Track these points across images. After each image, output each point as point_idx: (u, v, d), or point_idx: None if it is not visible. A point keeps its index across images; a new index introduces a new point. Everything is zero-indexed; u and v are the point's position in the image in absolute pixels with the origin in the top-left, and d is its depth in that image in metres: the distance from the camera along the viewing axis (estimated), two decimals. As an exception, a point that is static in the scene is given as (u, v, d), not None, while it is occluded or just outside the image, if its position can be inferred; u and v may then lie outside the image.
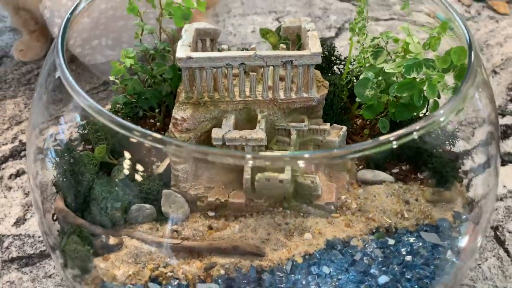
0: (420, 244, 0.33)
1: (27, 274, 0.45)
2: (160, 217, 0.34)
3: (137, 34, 0.38)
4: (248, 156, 0.27)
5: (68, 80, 0.26)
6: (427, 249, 0.33)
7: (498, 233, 0.50)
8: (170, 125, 0.36)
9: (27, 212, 0.51)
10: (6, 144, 0.59)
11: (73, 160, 0.34)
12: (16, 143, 0.59)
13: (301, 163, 0.29)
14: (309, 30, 0.36)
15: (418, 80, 0.34)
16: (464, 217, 0.36)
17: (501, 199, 0.54)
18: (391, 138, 0.25)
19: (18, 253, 0.47)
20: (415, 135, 0.26)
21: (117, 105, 0.40)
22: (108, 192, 0.33)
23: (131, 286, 0.30)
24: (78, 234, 0.31)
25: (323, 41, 0.48)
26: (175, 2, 0.39)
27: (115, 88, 0.39)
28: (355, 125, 0.44)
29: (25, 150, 0.58)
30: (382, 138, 0.25)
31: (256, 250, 0.32)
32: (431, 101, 0.38)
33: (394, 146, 0.25)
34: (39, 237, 0.48)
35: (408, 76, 0.33)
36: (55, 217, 0.34)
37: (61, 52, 0.27)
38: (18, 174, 0.55)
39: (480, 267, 0.47)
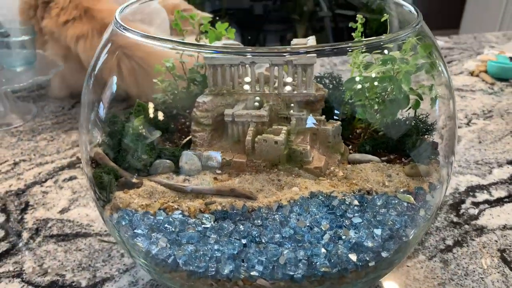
0: (396, 201, 0.37)
1: (61, 246, 0.52)
2: (177, 170, 0.41)
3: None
4: (249, 49, 0.35)
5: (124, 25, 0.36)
6: (401, 206, 0.36)
7: (505, 254, 0.51)
8: (194, 108, 0.45)
9: (72, 204, 0.59)
10: (66, 158, 0.70)
11: (116, 125, 0.43)
12: (74, 158, 0.70)
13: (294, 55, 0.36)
14: (309, 40, 0.46)
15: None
16: (438, 187, 0.39)
17: (511, 229, 0.55)
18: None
19: (58, 232, 0.54)
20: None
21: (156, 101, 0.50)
22: (138, 147, 0.41)
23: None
24: (108, 171, 0.39)
25: (331, 74, 0.57)
26: (210, 26, 0.51)
27: (156, 87, 0.50)
28: (355, 133, 0.51)
29: (79, 163, 0.69)
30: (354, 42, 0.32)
31: (249, 194, 0.38)
32: (413, 100, 0.45)
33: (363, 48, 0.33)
34: (78, 222, 0.56)
35: (375, 67, 0.40)
36: (93, 161, 0.42)
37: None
38: (70, 179, 0.65)
39: (482, 280, 0.47)
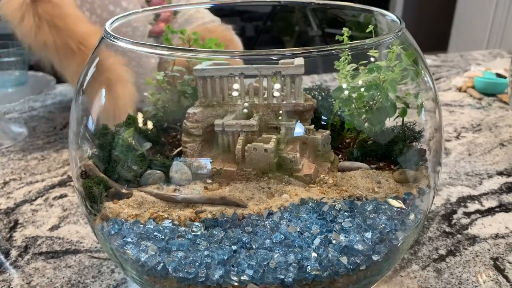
0: (386, 206, 0.37)
1: (50, 264, 0.51)
2: (167, 180, 0.41)
3: (168, 64, 0.51)
4: (237, 53, 0.35)
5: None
6: (391, 210, 0.37)
7: (498, 263, 0.51)
8: (185, 119, 0.46)
9: (62, 222, 0.59)
10: (56, 177, 0.69)
11: (106, 137, 0.43)
12: (64, 176, 0.69)
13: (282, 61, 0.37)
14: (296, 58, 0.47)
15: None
16: (427, 192, 0.39)
17: (503, 237, 0.55)
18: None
19: (47, 249, 0.54)
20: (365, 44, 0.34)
21: (147, 113, 0.51)
22: (129, 158, 0.41)
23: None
24: (98, 181, 0.39)
25: (320, 86, 0.58)
26: (200, 41, 0.52)
27: (147, 100, 0.50)
28: (344, 143, 0.51)
29: (70, 181, 0.68)
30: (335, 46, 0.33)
31: (240, 202, 0.38)
32: (400, 109, 0.46)
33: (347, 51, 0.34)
34: (67, 239, 0.55)
35: (363, 76, 0.41)
36: (83, 172, 0.42)
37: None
38: (61, 197, 0.64)
39: (477, 288, 0.47)
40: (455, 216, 0.59)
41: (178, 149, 0.46)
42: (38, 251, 0.53)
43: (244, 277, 0.31)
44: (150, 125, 0.48)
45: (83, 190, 0.39)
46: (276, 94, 0.44)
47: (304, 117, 0.47)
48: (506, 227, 0.57)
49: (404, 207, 0.37)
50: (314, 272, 0.31)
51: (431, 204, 0.42)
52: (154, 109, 0.51)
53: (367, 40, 0.35)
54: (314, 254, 0.32)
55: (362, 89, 0.43)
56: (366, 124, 0.46)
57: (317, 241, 0.33)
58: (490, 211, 0.61)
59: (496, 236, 0.55)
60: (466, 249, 0.53)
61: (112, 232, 0.35)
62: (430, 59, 1.36)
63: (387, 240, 0.34)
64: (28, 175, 0.70)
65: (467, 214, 0.60)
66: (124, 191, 0.39)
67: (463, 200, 0.63)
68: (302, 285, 0.32)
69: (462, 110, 0.97)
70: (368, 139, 0.48)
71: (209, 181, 0.41)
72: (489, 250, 0.53)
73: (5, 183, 0.68)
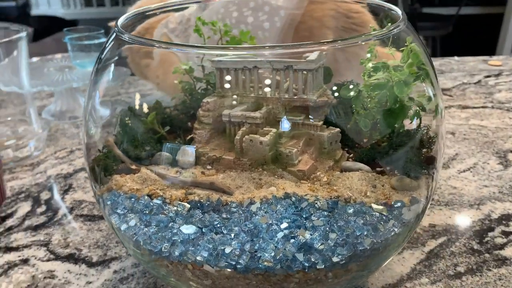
0: (368, 212, 0.36)
1: (86, 225, 0.58)
2: (174, 163, 0.44)
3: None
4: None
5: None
6: (372, 216, 0.35)
7: None
8: (199, 108, 0.48)
9: (106, 190, 0.65)
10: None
11: (130, 117, 0.48)
12: (119, 151, 0.77)
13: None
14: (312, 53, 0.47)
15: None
16: (421, 201, 0.37)
17: (540, 264, 0.50)
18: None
19: (88, 212, 0.61)
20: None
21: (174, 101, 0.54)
22: (144, 139, 0.45)
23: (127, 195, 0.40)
24: (109, 156, 0.44)
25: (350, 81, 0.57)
26: (231, 32, 0.54)
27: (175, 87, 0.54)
28: (362, 143, 0.50)
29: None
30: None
31: (227, 189, 0.39)
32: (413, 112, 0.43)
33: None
34: (105, 206, 0.62)
35: (375, 74, 0.40)
36: (102, 148, 0.47)
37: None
38: (111, 168, 0.71)
39: (488, 313, 0.44)
40: (490, 234, 0.54)
41: (191, 135, 0.49)
42: (80, 213, 0.61)
43: (199, 258, 0.33)
44: (174, 112, 0.52)
45: (94, 162, 0.44)
46: (266, 86, 0.45)
47: (315, 113, 0.47)
48: (548, 253, 0.51)
49: (386, 214, 0.36)
50: (265, 263, 0.32)
51: (422, 215, 0.39)
52: (181, 97, 0.54)
53: (363, 36, 0.34)
54: (271, 246, 0.32)
55: (367, 90, 0.41)
56: (378, 126, 0.45)
57: (280, 235, 0.33)
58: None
59: (532, 261, 0.50)
60: (490, 270, 0.49)
61: (108, 203, 0.40)
62: (524, 60, 1.21)
63: (351, 244, 0.33)
64: (91, 147, 0.79)
65: (506, 234, 0.54)
66: (133, 167, 0.44)
67: (506, 218, 0.57)
68: (256, 274, 0.33)
69: (543, 119, 0.86)
70: (382, 141, 0.46)
71: (209, 167, 0.44)
72: (518, 275, 0.48)
73: (71, 151, 0.78)
